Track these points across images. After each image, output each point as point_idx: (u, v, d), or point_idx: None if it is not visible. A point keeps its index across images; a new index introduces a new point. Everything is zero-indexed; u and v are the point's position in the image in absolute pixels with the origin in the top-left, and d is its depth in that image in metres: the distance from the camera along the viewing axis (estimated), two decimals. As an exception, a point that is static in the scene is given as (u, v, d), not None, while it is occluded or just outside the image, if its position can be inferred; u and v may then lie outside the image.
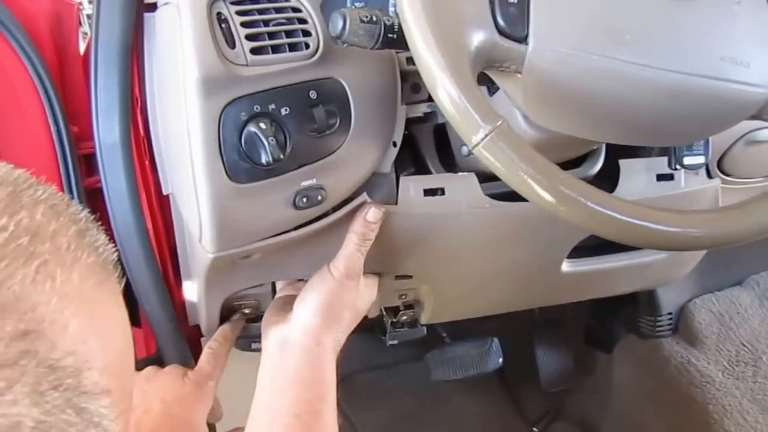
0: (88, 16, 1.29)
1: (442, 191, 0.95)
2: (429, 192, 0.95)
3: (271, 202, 0.82)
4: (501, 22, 0.66)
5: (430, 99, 0.98)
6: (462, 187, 0.95)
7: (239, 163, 0.78)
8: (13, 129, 1.01)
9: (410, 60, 0.94)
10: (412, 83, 0.95)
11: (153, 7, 0.90)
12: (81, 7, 1.26)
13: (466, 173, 0.96)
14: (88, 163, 1.07)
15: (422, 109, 0.98)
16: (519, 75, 0.68)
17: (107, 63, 0.94)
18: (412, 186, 0.94)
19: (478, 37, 0.65)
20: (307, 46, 0.82)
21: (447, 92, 0.62)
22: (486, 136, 0.61)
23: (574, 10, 0.68)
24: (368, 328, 1.78)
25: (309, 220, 0.88)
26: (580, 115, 0.70)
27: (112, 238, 1.02)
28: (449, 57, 0.62)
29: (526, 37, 0.66)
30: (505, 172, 0.61)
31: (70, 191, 1.04)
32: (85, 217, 0.44)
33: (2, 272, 0.35)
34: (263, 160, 0.77)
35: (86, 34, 1.17)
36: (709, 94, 0.68)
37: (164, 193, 1.02)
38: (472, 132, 0.61)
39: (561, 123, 0.72)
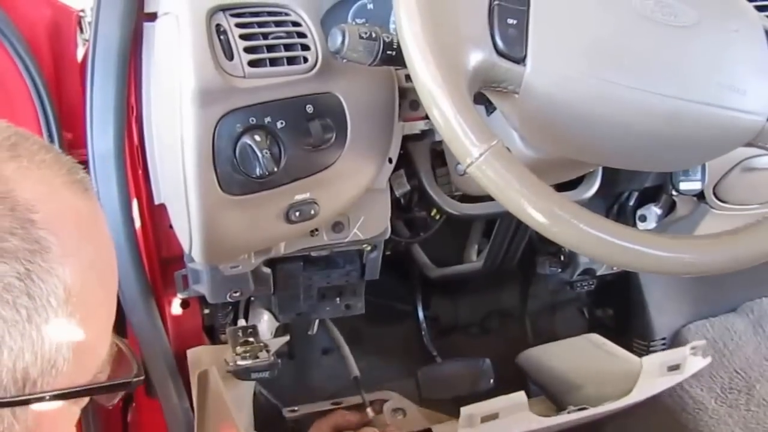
0: (90, 24, 1.29)
1: None
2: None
3: (264, 215, 0.82)
4: (500, 42, 0.66)
5: (428, 117, 0.98)
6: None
7: (232, 175, 0.77)
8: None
9: (409, 77, 0.93)
10: (410, 100, 0.95)
11: (153, 17, 0.90)
12: (83, 14, 1.26)
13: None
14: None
15: (419, 126, 0.98)
16: (516, 95, 0.68)
17: (104, 70, 0.94)
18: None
19: (476, 57, 0.64)
20: (306, 60, 0.82)
21: (442, 111, 0.62)
22: (480, 155, 0.60)
23: (573, 32, 0.68)
24: (360, 344, 1.78)
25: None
26: (576, 137, 0.69)
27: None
28: (446, 76, 0.62)
29: (524, 57, 0.66)
30: (498, 192, 0.61)
31: (63, 198, 1.03)
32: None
33: None
34: (257, 172, 0.77)
35: (87, 40, 1.16)
36: (705, 120, 0.68)
37: (156, 202, 1.01)
38: (467, 151, 0.61)
39: (557, 145, 0.72)
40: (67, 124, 1.04)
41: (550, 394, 1.40)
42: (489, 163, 0.60)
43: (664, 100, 0.66)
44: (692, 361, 1.22)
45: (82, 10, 1.25)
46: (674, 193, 0.94)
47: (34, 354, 0.39)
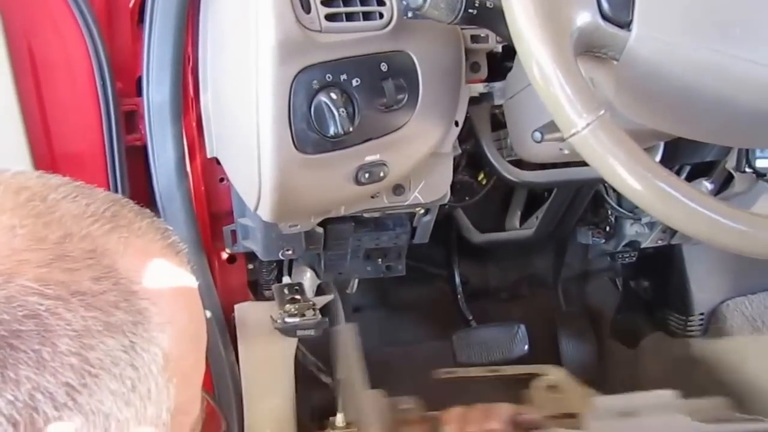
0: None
1: None
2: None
3: (334, 176, 0.80)
4: (605, 5, 0.62)
5: (488, 79, 0.95)
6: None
7: (307, 134, 0.75)
8: (58, 80, 0.98)
9: (474, 38, 0.91)
10: (472, 62, 0.92)
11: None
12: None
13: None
14: (127, 121, 1.04)
15: (479, 89, 0.95)
16: (615, 62, 0.65)
17: (163, 20, 0.91)
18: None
19: (581, 19, 0.61)
20: (381, 15, 0.79)
21: (547, 74, 0.58)
22: (587, 125, 0.57)
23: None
24: (389, 305, 1.77)
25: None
26: (676, 109, 0.66)
27: (153, 198, 1.00)
28: (552, 36, 0.58)
29: (630, 22, 0.62)
30: (604, 165, 0.58)
31: (111, 147, 1.00)
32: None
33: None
34: (332, 131, 0.74)
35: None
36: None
37: (208, 156, 0.99)
38: (572, 120, 0.58)
39: (652, 116, 0.69)
40: (117, 73, 1.00)
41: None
42: (595, 135, 0.57)
43: (773, 73, 0.63)
44: None
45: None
46: (747, 169, 0.91)
47: (137, 421, 0.39)
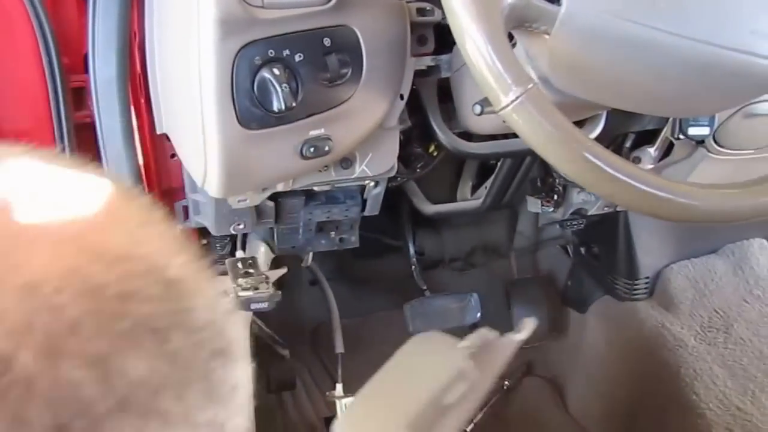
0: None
1: None
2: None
3: (279, 150, 0.81)
4: (536, -20, 0.64)
5: (435, 52, 0.97)
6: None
7: (251, 110, 0.76)
8: (2, 57, 0.97)
9: (420, 11, 0.92)
10: (419, 35, 0.93)
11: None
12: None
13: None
14: (76, 97, 1.04)
15: (427, 62, 0.97)
16: (547, 36, 0.67)
17: (107, -5, 0.90)
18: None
19: (512, -5, 0.63)
20: (324, -10, 0.79)
21: (478, 48, 0.61)
22: (517, 98, 0.60)
23: (609, -26, 0.66)
24: (344, 278, 1.80)
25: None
26: (606, 81, 0.69)
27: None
28: (483, 11, 0.60)
29: (560, -3, 0.65)
30: (532, 137, 0.61)
31: (60, 125, 1.00)
32: None
33: None
34: (275, 107, 0.76)
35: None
36: (736, 68, 0.68)
37: (158, 132, 0.99)
38: (502, 93, 0.60)
39: (585, 88, 0.71)
40: (64, 49, 1.00)
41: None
42: (525, 107, 0.60)
43: (697, 46, 0.65)
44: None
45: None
46: (681, 137, 0.95)
47: None
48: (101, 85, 0.94)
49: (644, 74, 0.68)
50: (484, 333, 0.85)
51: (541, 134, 0.60)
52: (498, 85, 0.60)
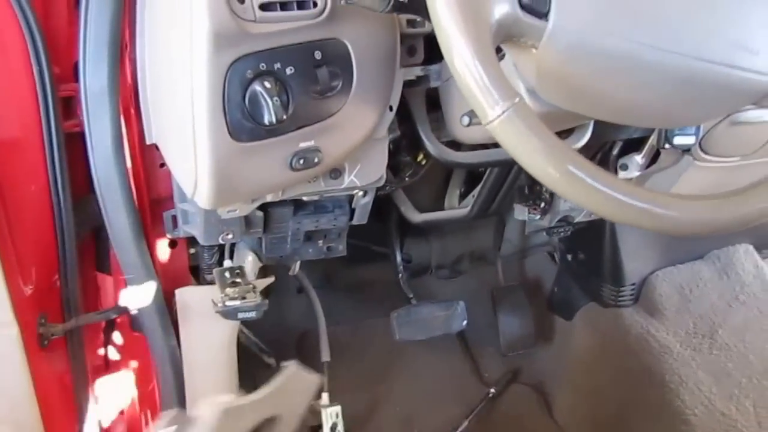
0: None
1: None
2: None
3: (269, 162, 0.81)
4: (524, -5, 0.65)
5: (425, 62, 0.98)
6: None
7: (242, 122, 0.76)
8: (-8, 66, 0.98)
9: (411, 22, 0.93)
10: (408, 46, 0.94)
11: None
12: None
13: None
14: (65, 106, 1.04)
15: (416, 72, 0.98)
16: (534, 50, 0.68)
17: (99, 5, 0.91)
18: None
19: (500, 10, 0.64)
20: (315, 4, 0.80)
21: (465, 63, 0.61)
22: (503, 112, 0.60)
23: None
24: (332, 286, 1.80)
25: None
26: (592, 94, 0.70)
27: (92, 185, 1.00)
28: (470, 26, 0.61)
29: (547, 13, 0.66)
30: (517, 150, 0.62)
31: (50, 134, 1.01)
32: None
33: None
34: (266, 120, 0.76)
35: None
36: (718, 80, 0.69)
37: (147, 142, 0.99)
38: (489, 107, 0.61)
39: (571, 101, 0.72)
40: (54, 58, 1.00)
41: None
42: (511, 121, 0.61)
43: (679, 59, 0.67)
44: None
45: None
46: (667, 146, 0.96)
47: None
48: (91, 95, 0.94)
49: (629, 87, 0.69)
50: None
51: (526, 148, 0.61)
52: (485, 100, 0.61)
